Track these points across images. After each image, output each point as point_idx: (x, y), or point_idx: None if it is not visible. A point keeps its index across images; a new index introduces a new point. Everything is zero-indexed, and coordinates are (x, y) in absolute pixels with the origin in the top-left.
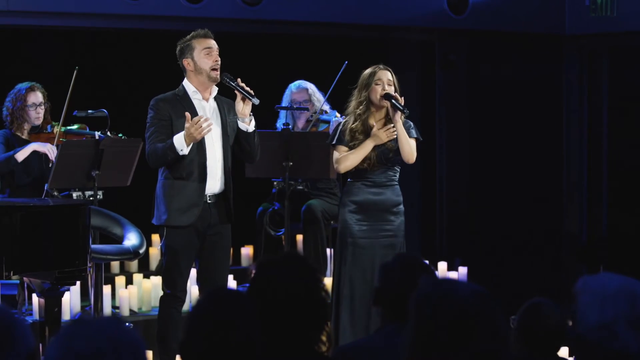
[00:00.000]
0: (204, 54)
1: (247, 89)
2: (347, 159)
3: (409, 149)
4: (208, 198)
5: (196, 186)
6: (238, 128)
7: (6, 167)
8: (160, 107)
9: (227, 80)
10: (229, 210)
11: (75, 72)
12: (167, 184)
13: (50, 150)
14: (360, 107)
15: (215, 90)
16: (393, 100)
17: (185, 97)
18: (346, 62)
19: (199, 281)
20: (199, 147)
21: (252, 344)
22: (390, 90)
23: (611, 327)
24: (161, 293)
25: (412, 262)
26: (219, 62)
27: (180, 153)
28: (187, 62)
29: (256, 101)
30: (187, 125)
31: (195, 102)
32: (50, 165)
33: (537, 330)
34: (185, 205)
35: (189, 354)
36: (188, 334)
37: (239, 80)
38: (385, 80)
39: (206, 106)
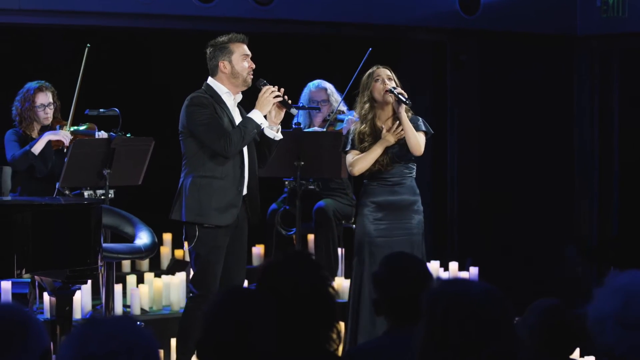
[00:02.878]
0: (242, 59)
1: (286, 97)
2: (358, 163)
3: (416, 141)
4: None
5: (235, 187)
6: (263, 135)
7: (25, 162)
8: (207, 104)
9: (264, 86)
10: (254, 208)
11: (86, 49)
12: (203, 182)
13: (64, 136)
14: (365, 108)
15: (240, 96)
16: (396, 92)
17: (218, 98)
18: (370, 49)
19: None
20: (240, 151)
21: (269, 344)
22: (391, 85)
23: (602, 323)
24: (173, 292)
25: (400, 265)
26: (254, 67)
27: (262, 127)
28: (223, 65)
29: (294, 111)
30: (263, 93)
31: (229, 105)
32: (65, 158)
33: (562, 332)
34: (224, 205)
35: (205, 353)
36: (205, 333)
37: (276, 87)
38: (384, 76)
39: (235, 109)
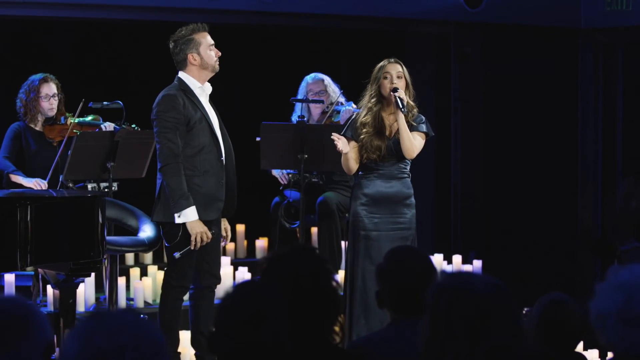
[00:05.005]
0: (209, 49)
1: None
2: (345, 165)
3: (409, 144)
4: None
5: (217, 180)
6: None
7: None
8: (178, 106)
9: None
10: (231, 201)
11: (81, 103)
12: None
13: (36, 185)
14: (372, 101)
15: (210, 87)
16: (396, 95)
17: (191, 94)
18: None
19: (200, 279)
20: (215, 144)
21: (283, 337)
22: (400, 82)
23: (605, 319)
24: None
25: (404, 257)
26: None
27: (176, 219)
28: (192, 57)
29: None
30: (205, 237)
31: (202, 100)
32: (68, 151)
33: (561, 325)
34: (209, 200)
35: (218, 345)
36: (218, 326)
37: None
38: (395, 73)
39: (208, 104)
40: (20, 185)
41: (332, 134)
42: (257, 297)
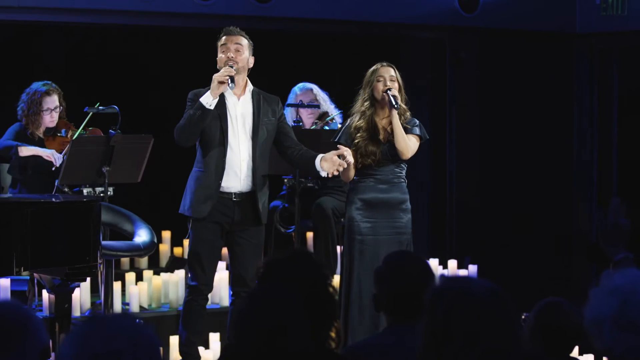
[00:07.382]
0: (220, 51)
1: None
2: (342, 174)
3: (404, 144)
4: (233, 196)
5: (213, 180)
6: (313, 162)
7: (5, 153)
8: (195, 98)
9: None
10: (257, 211)
11: (88, 117)
12: (193, 174)
13: (56, 159)
14: (365, 104)
15: (250, 87)
16: (389, 94)
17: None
18: None
19: (232, 282)
20: (220, 142)
21: (302, 348)
22: (394, 86)
23: (600, 324)
24: (172, 290)
25: (401, 262)
26: (232, 56)
27: (207, 106)
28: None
29: (232, 86)
30: (224, 73)
31: (227, 97)
32: (64, 156)
33: (556, 329)
34: (202, 197)
35: (235, 357)
36: (236, 338)
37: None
38: (388, 76)
39: (237, 102)
40: (33, 157)
41: (339, 146)
42: (273, 310)
